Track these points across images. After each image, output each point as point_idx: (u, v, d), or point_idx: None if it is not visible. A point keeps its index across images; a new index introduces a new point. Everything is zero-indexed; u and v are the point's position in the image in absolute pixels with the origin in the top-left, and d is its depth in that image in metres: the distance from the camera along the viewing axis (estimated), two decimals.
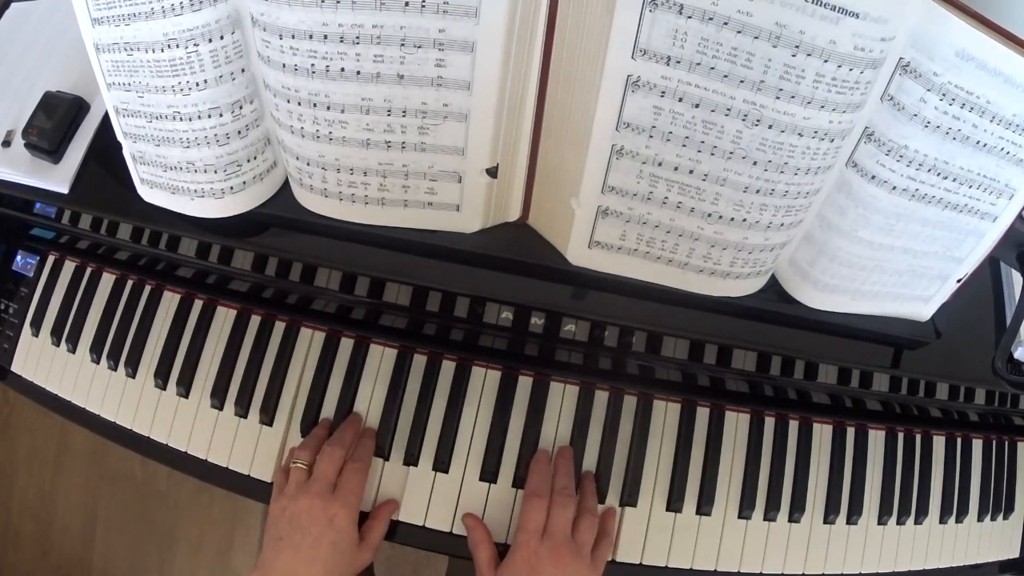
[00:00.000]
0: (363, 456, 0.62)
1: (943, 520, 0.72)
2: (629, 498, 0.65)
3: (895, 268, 0.55)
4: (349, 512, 0.58)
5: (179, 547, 1.47)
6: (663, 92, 0.45)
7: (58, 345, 0.74)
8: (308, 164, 0.54)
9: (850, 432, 0.70)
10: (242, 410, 0.68)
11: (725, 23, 0.41)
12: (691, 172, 0.48)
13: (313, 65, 0.48)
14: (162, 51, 0.50)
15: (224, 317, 0.71)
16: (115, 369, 0.71)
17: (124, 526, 1.50)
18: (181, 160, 0.55)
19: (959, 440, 0.74)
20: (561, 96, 0.49)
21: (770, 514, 0.67)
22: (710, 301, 0.57)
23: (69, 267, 0.75)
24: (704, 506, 0.65)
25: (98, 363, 0.72)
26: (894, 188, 0.49)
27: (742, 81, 0.43)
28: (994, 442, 0.76)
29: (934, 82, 0.44)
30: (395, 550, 1.25)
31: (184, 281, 0.72)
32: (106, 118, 0.65)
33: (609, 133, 0.48)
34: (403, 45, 0.46)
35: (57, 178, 0.66)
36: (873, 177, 0.48)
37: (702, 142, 0.46)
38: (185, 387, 0.69)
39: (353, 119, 0.50)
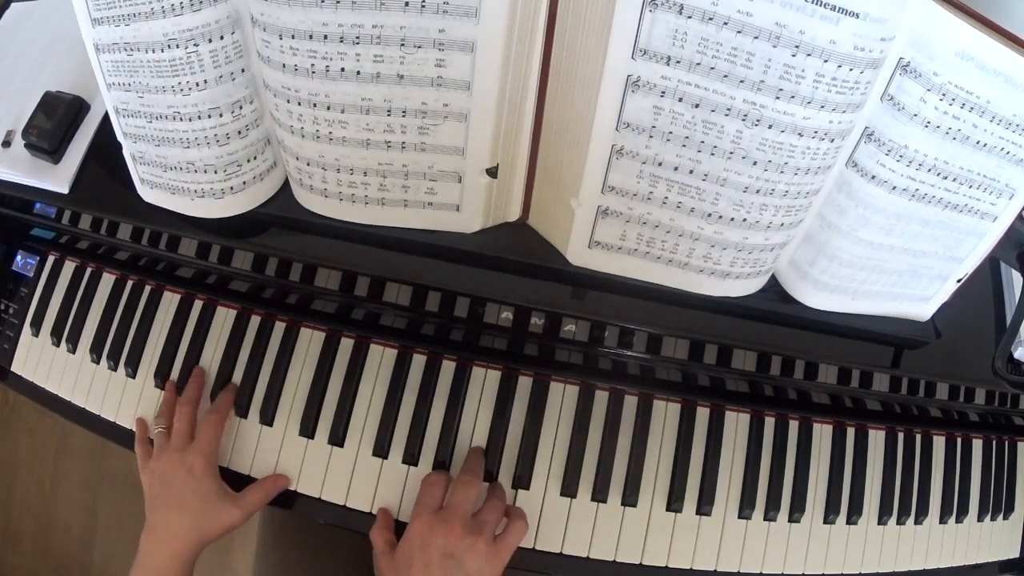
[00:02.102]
0: (220, 408, 0.65)
1: (943, 520, 0.72)
2: (629, 498, 0.65)
3: (895, 268, 0.55)
4: (205, 460, 0.61)
5: None
6: (663, 92, 0.45)
7: (58, 345, 0.74)
8: (308, 164, 0.54)
9: (850, 432, 0.70)
10: (242, 410, 0.68)
11: (725, 23, 0.41)
12: (691, 172, 0.48)
13: (313, 65, 0.48)
14: (162, 51, 0.50)
15: (224, 317, 0.71)
16: (115, 369, 0.71)
17: (124, 526, 1.50)
18: (181, 160, 0.55)
19: (959, 440, 0.74)
20: (561, 96, 0.49)
21: (770, 514, 0.67)
22: (710, 301, 0.57)
23: (69, 267, 0.75)
24: (704, 506, 0.65)
25: (98, 363, 0.72)
26: (894, 188, 0.49)
27: (742, 81, 0.43)
28: (994, 442, 0.76)
29: (934, 82, 0.44)
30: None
31: (184, 281, 0.72)
32: (106, 118, 0.65)
33: (609, 133, 0.48)
34: (403, 45, 0.46)
35: (57, 178, 0.66)
36: (873, 177, 0.48)
37: (702, 142, 0.46)
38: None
39: (353, 119, 0.50)
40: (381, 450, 0.65)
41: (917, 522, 0.71)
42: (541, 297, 0.61)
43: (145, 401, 0.70)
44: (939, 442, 0.73)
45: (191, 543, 0.60)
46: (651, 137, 0.47)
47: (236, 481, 0.65)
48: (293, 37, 0.47)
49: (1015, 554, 0.76)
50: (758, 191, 0.48)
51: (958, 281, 0.57)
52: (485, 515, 0.57)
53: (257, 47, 0.50)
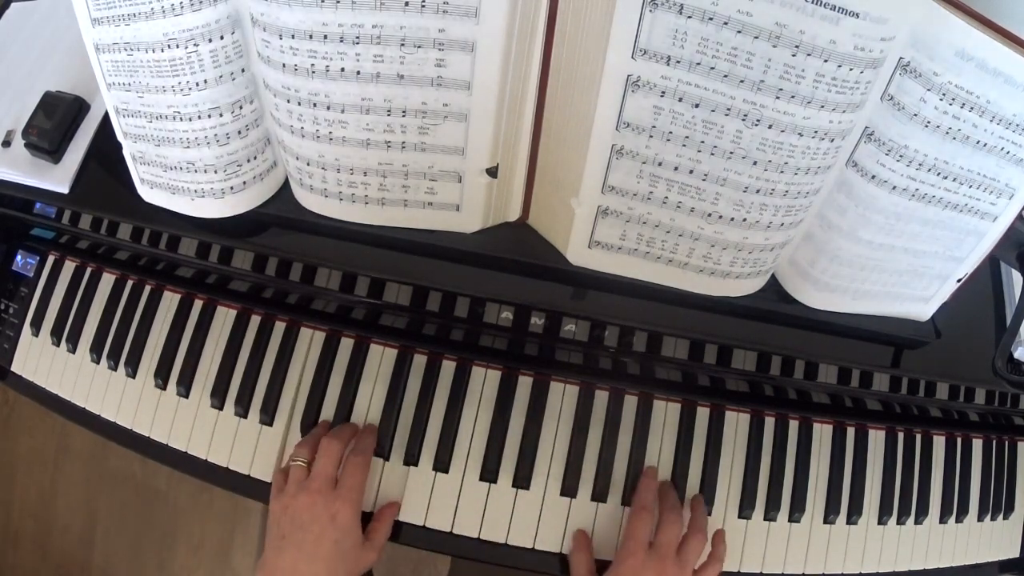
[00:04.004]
0: (364, 450, 0.61)
1: (943, 520, 0.72)
2: (629, 498, 0.65)
3: (895, 268, 0.55)
4: (351, 508, 0.57)
5: (179, 547, 1.47)
6: (663, 92, 0.45)
7: (58, 345, 0.74)
8: (308, 164, 0.54)
9: (850, 432, 0.70)
10: (242, 410, 0.68)
11: (725, 23, 0.41)
12: (691, 172, 0.48)
13: (313, 65, 0.48)
14: (162, 51, 0.50)
15: (224, 317, 0.71)
16: (115, 369, 0.71)
17: (124, 526, 1.50)
18: (181, 160, 0.55)
19: (959, 440, 0.74)
20: (561, 96, 0.49)
21: (770, 514, 0.67)
22: (710, 301, 0.57)
23: (69, 267, 0.75)
24: (704, 506, 0.65)
25: (98, 363, 0.72)
26: (894, 188, 0.49)
27: (742, 81, 0.43)
28: (994, 442, 0.76)
29: (934, 82, 0.44)
30: (395, 550, 1.24)
31: (184, 281, 0.72)
32: (106, 118, 0.65)
33: (609, 133, 0.48)
34: (403, 45, 0.46)
35: (57, 178, 0.66)
36: (873, 177, 0.48)
37: (702, 142, 0.46)
38: (185, 387, 0.69)
39: (353, 119, 0.50)
40: (381, 450, 0.65)
41: (917, 522, 0.71)
42: (541, 297, 0.61)
43: (145, 401, 0.70)
44: (939, 442, 0.73)
45: None
46: (651, 137, 0.47)
47: (229, 479, 0.66)
48: (293, 37, 0.47)
49: (1015, 554, 0.76)
50: (758, 191, 0.48)
51: (958, 281, 0.57)
52: (689, 552, 0.58)
53: (257, 47, 0.50)
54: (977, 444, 0.75)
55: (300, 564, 0.55)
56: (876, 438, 0.71)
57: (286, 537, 0.56)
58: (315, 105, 0.50)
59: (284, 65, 0.49)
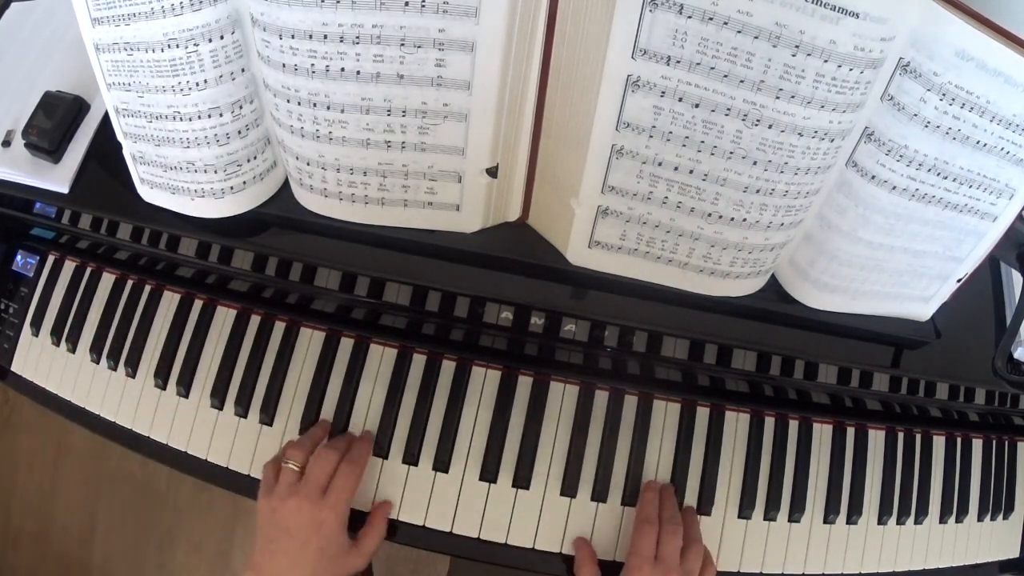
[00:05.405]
0: (358, 458, 0.61)
1: (943, 520, 0.72)
2: (629, 498, 0.65)
3: (895, 268, 0.55)
4: (337, 517, 0.58)
5: (179, 547, 1.47)
6: (663, 92, 0.45)
7: (58, 345, 0.74)
8: (308, 164, 0.54)
9: (850, 432, 0.70)
10: (242, 410, 0.68)
11: (725, 23, 0.41)
12: (691, 172, 0.48)
13: (313, 65, 0.48)
14: (162, 51, 0.50)
15: (224, 317, 0.71)
16: (115, 369, 0.71)
17: (124, 526, 1.50)
18: (181, 160, 0.55)
19: (959, 440, 0.74)
20: (561, 96, 0.49)
21: (770, 514, 0.67)
22: (710, 301, 0.57)
23: (69, 267, 0.75)
24: (704, 506, 0.65)
25: (98, 363, 0.72)
26: (894, 188, 0.49)
27: (742, 81, 0.43)
28: (994, 442, 0.76)
29: (934, 82, 0.44)
30: (395, 550, 1.25)
31: (184, 281, 0.72)
32: (106, 118, 0.65)
33: (609, 133, 0.48)
34: (403, 45, 0.46)
35: (57, 178, 0.66)
36: (873, 177, 0.48)
37: (702, 142, 0.46)
38: (185, 387, 0.69)
39: (353, 119, 0.50)
40: (381, 450, 0.65)
41: (917, 522, 0.71)
42: (541, 297, 0.61)
43: (145, 401, 0.70)
44: (939, 442, 0.73)
45: None
46: (651, 137, 0.47)
47: (229, 479, 0.66)
48: (293, 37, 0.47)
49: (1015, 554, 0.76)
50: (758, 191, 0.48)
51: (958, 281, 0.57)
52: (692, 563, 0.60)
53: (257, 47, 0.50)
54: (977, 444, 0.75)
55: (284, 567, 0.56)
56: (876, 438, 0.71)
57: (273, 541, 0.57)
58: (315, 105, 0.50)
59: (284, 65, 0.49)
